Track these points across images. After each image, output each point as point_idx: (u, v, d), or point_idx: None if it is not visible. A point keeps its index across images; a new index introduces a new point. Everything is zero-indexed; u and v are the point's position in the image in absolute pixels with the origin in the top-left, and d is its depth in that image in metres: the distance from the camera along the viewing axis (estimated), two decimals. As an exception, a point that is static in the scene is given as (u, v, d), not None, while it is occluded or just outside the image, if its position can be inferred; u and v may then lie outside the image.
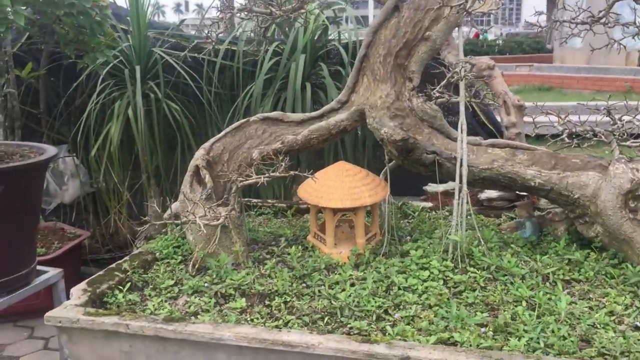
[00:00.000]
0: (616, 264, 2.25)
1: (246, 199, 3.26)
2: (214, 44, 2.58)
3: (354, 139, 4.06)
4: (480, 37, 22.73)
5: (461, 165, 2.35)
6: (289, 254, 2.40)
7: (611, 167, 2.29)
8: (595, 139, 2.61)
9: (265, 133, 2.60)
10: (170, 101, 4.27)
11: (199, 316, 1.96)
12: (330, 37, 4.53)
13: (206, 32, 2.68)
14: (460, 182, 2.35)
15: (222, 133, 2.57)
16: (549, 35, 20.72)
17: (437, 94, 2.41)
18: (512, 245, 2.40)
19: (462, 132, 2.38)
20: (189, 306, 2.04)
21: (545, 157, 2.47)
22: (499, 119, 3.40)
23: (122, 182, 4.35)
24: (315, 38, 4.44)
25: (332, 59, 4.46)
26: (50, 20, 3.28)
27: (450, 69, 2.54)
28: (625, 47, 2.55)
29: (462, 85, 2.43)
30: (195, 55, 4.16)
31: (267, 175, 2.27)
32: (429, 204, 3.24)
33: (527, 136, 3.12)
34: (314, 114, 2.68)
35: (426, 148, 2.41)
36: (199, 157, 2.45)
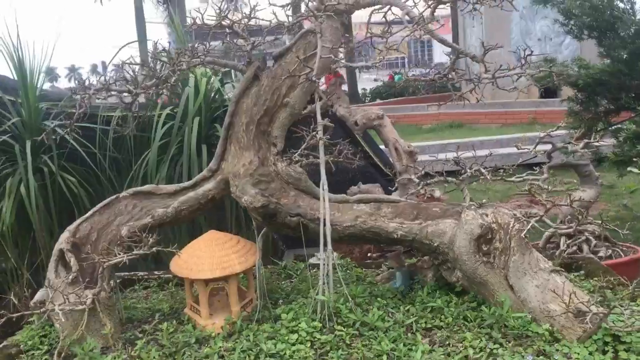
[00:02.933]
0: (475, 306, 2.37)
1: (132, 272, 3.22)
2: (72, 123, 2.56)
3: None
4: (395, 78, 23.65)
5: (324, 225, 2.43)
6: (161, 330, 2.38)
7: (463, 215, 2.42)
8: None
9: (135, 208, 2.61)
10: (66, 173, 4.20)
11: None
12: (226, 97, 4.60)
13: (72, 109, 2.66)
14: (325, 242, 2.42)
15: (90, 212, 2.56)
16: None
17: (298, 158, 2.50)
18: (379, 299, 2.47)
19: (323, 191, 2.47)
20: (49, 400, 1.98)
21: (408, 208, 2.59)
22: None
23: (21, 262, 4.19)
24: (210, 99, 4.51)
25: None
26: None
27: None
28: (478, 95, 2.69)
29: (321, 146, 2.54)
30: (89, 125, 4.15)
31: (130, 253, 2.27)
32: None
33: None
34: (186, 183, 2.72)
35: (290, 211, 2.48)
36: (63, 240, 2.42)
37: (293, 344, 2.18)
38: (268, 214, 2.44)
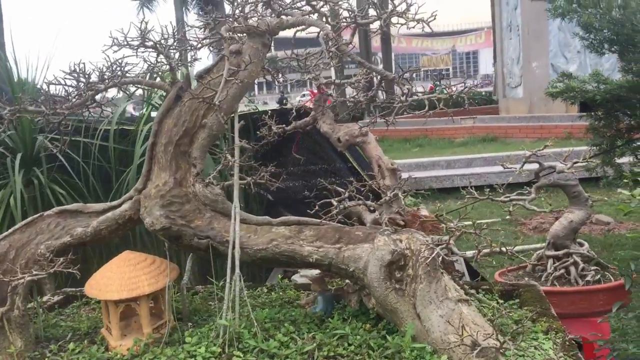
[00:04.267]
0: (384, 335, 2.27)
1: (78, 289, 3.24)
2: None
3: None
4: (436, 90, 23.39)
5: (234, 248, 2.39)
6: (67, 350, 2.38)
7: (376, 240, 2.33)
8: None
9: (58, 227, 2.62)
10: (56, 185, 4.30)
11: None
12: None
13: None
14: (233, 264, 2.37)
15: (11, 230, 2.59)
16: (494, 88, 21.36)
17: (209, 180, 2.48)
18: (286, 324, 2.40)
19: (235, 214, 2.43)
20: None
21: (331, 231, 2.50)
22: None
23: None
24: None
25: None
26: None
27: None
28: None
29: (236, 168, 2.51)
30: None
31: (32, 274, 2.29)
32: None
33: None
34: (114, 203, 2.72)
35: (200, 233, 2.45)
36: (-23, 258, 2.46)
37: (187, 370, 2.14)
38: (172, 236, 2.41)
